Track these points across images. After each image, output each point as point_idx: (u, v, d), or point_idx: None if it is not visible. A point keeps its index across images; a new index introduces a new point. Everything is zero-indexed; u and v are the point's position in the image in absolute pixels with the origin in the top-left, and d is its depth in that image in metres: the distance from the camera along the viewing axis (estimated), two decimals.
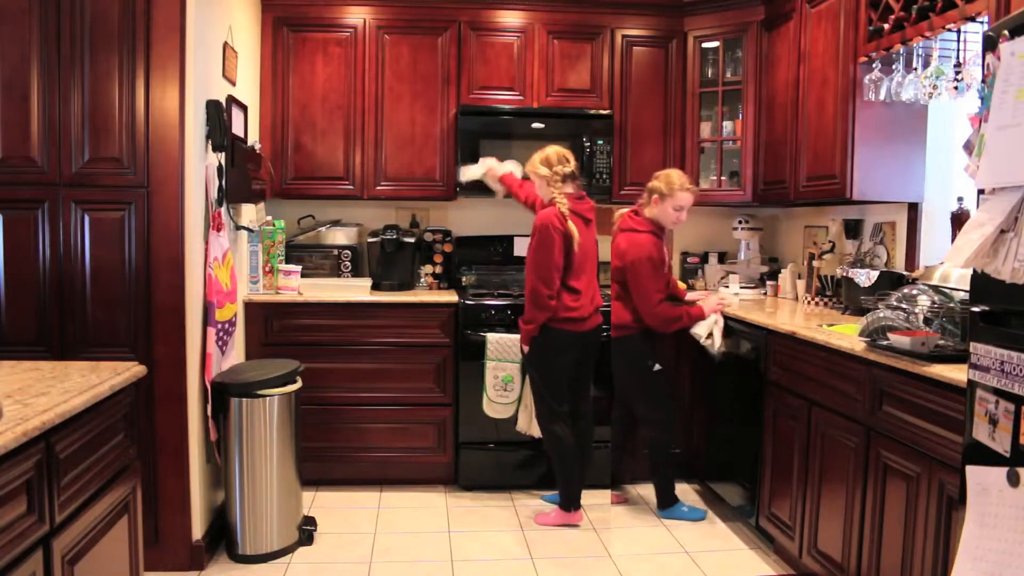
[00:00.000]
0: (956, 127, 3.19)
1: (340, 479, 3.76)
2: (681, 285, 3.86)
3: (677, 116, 4.22)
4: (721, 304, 3.52)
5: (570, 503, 3.43)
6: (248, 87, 3.76)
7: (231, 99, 3.32)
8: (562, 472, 3.43)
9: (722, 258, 4.51)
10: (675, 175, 3.44)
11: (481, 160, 3.70)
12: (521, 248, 4.31)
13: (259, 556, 3.00)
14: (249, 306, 3.66)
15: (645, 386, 3.50)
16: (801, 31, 3.57)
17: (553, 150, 3.33)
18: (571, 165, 3.31)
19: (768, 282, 4.22)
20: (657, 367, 3.47)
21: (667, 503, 3.55)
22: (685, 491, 3.86)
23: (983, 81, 1.77)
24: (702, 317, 3.46)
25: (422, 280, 4.26)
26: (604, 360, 3.67)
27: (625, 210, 3.61)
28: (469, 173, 3.68)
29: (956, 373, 1.99)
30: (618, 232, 3.55)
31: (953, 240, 2.53)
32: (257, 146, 3.67)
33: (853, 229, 3.74)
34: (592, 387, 3.59)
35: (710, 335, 3.45)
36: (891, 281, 3.05)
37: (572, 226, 3.24)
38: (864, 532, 2.45)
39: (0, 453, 1.36)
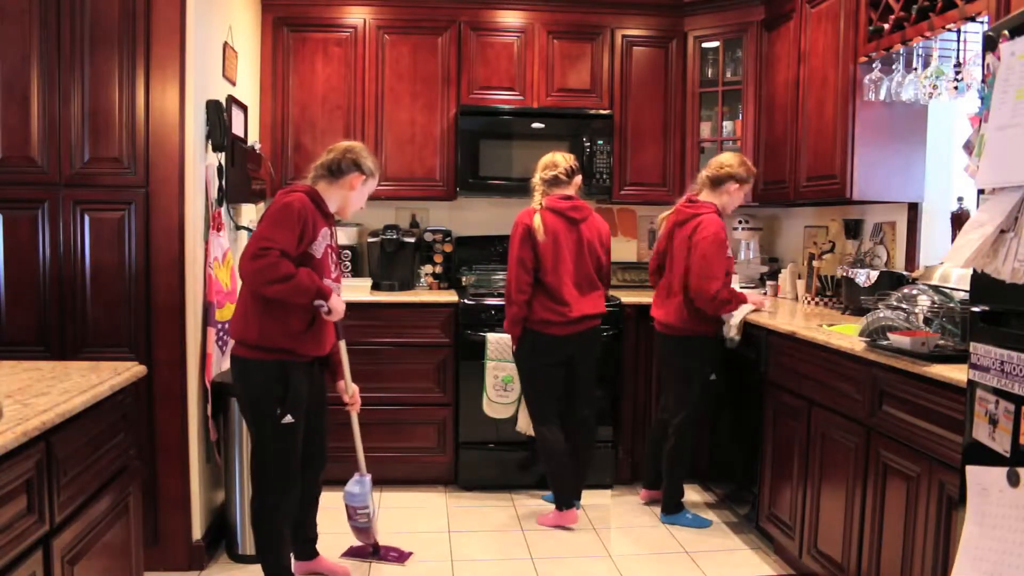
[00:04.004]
0: (956, 127, 3.19)
1: (339, 479, 3.75)
2: None
3: (677, 116, 4.22)
4: (763, 301, 3.43)
5: (560, 503, 3.43)
6: (248, 87, 3.76)
7: (231, 99, 3.32)
8: (548, 472, 3.44)
9: None
10: (742, 157, 3.43)
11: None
12: None
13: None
14: None
15: (693, 391, 3.40)
16: (801, 31, 3.57)
17: (546, 157, 3.39)
18: (557, 169, 3.32)
19: (768, 282, 4.22)
20: (712, 377, 3.41)
21: (673, 509, 3.50)
22: (685, 491, 3.86)
23: (983, 81, 1.77)
24: (744, 302, 3.33)
25: (422, 280, 4.26)
26: (608, 360, 3.67)
27: (668, 213, 3.52)
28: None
29: (956, 373, 1.99)
30: (676, 227, 3.40)
31: (953, 240, 2.53)
32: (257, 146, 3.67)
33: (853, 229, 3.74)
34: (594, 389, 3.55)
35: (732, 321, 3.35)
36: (891, 281, 3.05)
37: (538, 221, 3.25)
38: (864, 532, 2.45)
39: (0, 453, 1.36)
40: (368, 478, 2.93)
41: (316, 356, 2.65)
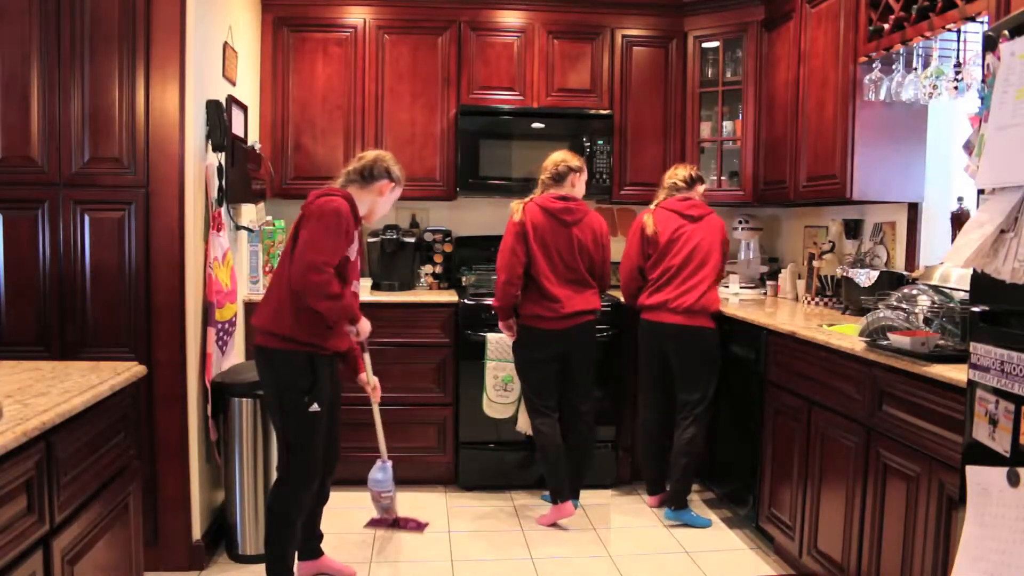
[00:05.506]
0: (956, 127, 3.18)
1: (340, 479, 3.74)
2: None
3: (677, 116, 4.22)
4: None
5: (555, 495, 3.44)
6: (248, 87, 3.76)
7: (231, 99, 3.32)
8: (543, 465, 3.46)
9: None
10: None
11: None
12: None
13: (259, 556, 2.99)
14: (249, 306, 3.66)
15: (715, 380, 3.46)
16: (801, 31, 3.57)
17: (551, 156, 3.46)
18: (545, 174, 3.42)
19: (768, 282, 4.22)
20: None
21: (682, 505, 3.49)
22: None
23: (983, 81, 1.77)
24: None
25: (422, 280, 4.26)
26: (608, 360, 3.66)
27: (655, 214, 3.53)
28: None
29: (956, 373, 1.99)
30: (691, 221, 3.47)
31: (953, 240, 2.53)
32: (257, 146, 3.67)
33: (853, 229, 3.74)
34: (591, 385, 3.54)
35: None
36: (891, 281, 3.05)
37: (527, 217, 3.32)
38: (864, 532, 2.45)
39: (0, 453, 1.36)
40: (390, 464, 3.02)
41: (337, 351, 2.73)
